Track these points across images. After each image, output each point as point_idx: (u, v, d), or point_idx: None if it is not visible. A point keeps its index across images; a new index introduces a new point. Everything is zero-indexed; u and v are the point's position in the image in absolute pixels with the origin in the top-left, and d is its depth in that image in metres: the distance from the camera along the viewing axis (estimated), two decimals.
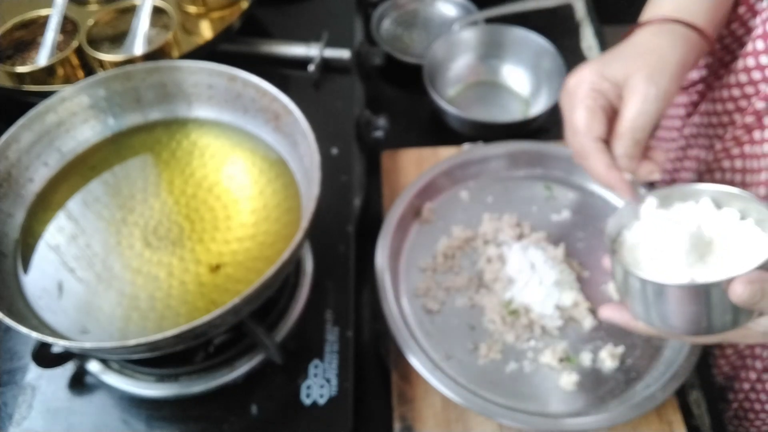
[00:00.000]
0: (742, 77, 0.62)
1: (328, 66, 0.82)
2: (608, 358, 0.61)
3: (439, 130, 0.87)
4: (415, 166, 0.79)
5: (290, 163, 0.62)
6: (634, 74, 0.53)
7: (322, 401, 0.57)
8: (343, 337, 0.60)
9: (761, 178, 0.60)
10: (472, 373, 0.61)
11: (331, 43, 0.82)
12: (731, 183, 0.66)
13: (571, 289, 0.65)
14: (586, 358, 0.62)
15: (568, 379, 0.60)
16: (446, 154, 0.79)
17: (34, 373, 0.59)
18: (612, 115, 0.54)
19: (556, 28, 0.97)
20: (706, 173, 0.70)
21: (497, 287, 0.66)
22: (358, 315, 0.63)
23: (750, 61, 0.60)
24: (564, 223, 0.72)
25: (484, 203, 0.74)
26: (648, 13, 0.60)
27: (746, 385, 0.70)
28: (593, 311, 0.65)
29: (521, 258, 0.66)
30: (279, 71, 0.82)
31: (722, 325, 0.48)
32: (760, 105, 0.59)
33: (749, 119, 0.61)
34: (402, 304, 0.65)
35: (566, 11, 1.03)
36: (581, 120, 0.53)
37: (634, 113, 0.52)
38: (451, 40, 0.93)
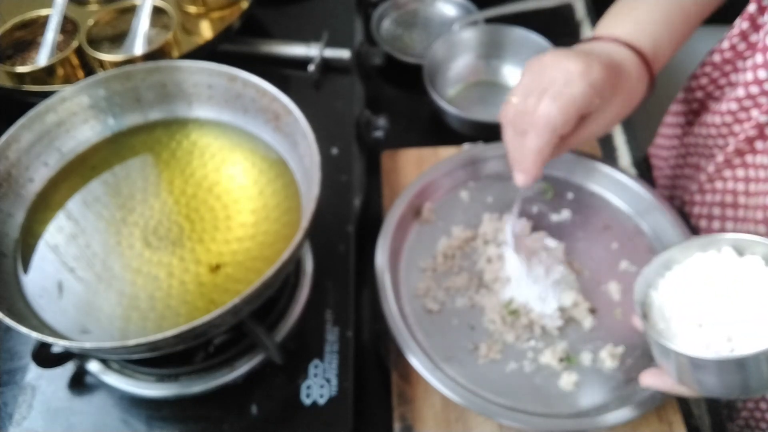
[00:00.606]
0: (741, 91, 0.62)
1: (328, 66, 0.82)
2: (608, 358, 0.61)
3: (439, 130, 0.87)
4: (415, 166, 0.79)
5: (290, 163, 0.62)
6: (616, 111, 0.59)
7: (322, 401, 0.57)
8: (343, 337, 0.60)
9: (767, 188, 0.61)
10: (472, 373, 0.61)
11: (331, 43, 0.82)
12: (733, 192, 0.66)
13: (571, 289, 0.65)
14: (586, 358, 0.62)
15: (568, 379, 0.60)
16: (446, 154, 0.79)
17: (34, 373, 0.59)
18: None
19: (556, 28, 0.97)
20: (708, 183, 0.70)
21: (497, 287, 0.66)
22: (358, 315, 0.63)
23: (749, 75, 0.60)
24: (564, 223, 0.72)
25: (484, 203, 0.74)
26: (615, 27, 0.62)
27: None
28: (593, 311, 0.65)
29: (521, 258, 0.66)
30: (279, 71, 0.82)
31: (760, 387, 0.48)
32: (762, 118, 0.59)
33: (751, 132, 0.61)
34: (402, 304, 0.65)
35: (566, 11, 1.03)
36: (566, 117, 0.55)
37: (591, 134, 0.59)
38: (451, 40, 0.93)
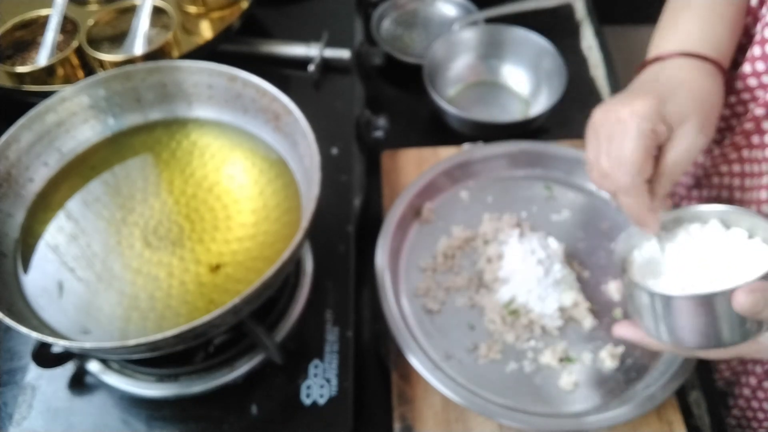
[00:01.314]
0: (739, 84, 0.62)
1: (328, 66, 0.82)
2: (608, 358, 0.61)
3: (439, 130, 0.87)
4: (415, 166, 0.79)
5: (290, 163, 0.62)
6: (689, 120, 0.52)
7: (322, 401, 0.57)
8: (343, 337, 0.60)
9: (762, 182, 0.60)
10: (472, 373, 0.61)
11: (331, 43, 0.82)
12: (729, 187, 0.66)
13: (571, 289, 0.65)
14: (586, 358, 0.62)
15: (568, 379, 0.60)
16: (446, 154, 0.79)
17: (34, 373, 0.59)
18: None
19: (556, 28, 0.97)
20: (704, 178, 0.70)
21: (497, 287, 0.66)
22: (358, 315, 0.63)
23: (747, 68, 0.60)
24: (564, 223, 0.72)
25: (484, 203, 0.74)
26: (667, 44, 0.59)
27: (747, 391, 0.70)
28: (593, 311, 0.65)
29: (521, 258, 0.66)
30: (279, 71, 0.82)
31: (731, 338, 0.48)
32: (759, 111, 0.59)
33: (748, 125, 0.61)
34: (402, 304, 0.65)
35: (566, 11, 1.03)
36: (637, 159, 0.51)
37: (680, 157, 0.53)
38: (451, 40, 0.93)
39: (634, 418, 0.56)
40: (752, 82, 0.60)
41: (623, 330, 0.55)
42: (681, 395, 0.63)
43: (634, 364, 0.61)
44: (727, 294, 0.46)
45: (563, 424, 0.57)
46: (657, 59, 0.58)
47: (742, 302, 0.45)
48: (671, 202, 0.53)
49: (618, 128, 0.52)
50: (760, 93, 0.60)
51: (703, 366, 0.65)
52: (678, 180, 0.55)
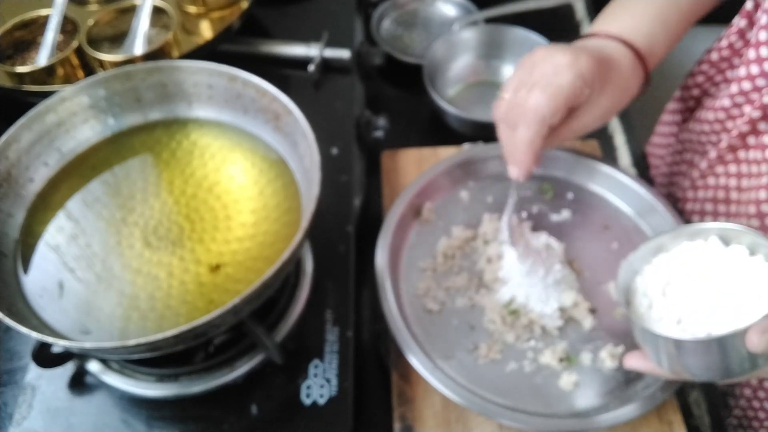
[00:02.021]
0: (734, 87, 0.62)
1: (328, 66, 0.82)
2: (608, 358, 0.61)
3: (439, 130, 0.87)
4: (415, 166, 0.79)
5: (290, 163, 0.62)
6: (608, 104, 0.59)
7: (322, 401, 0.57)
8: (343, 337, 0.60)
9: (762, 182, 0.61)
10: (472, 373, 0.61)
11: (331, 43, 0.82)
12: (726, 187, 0.67)
13: (571, 289, 0.65)
14: (586, 358, 0.62)
15: (568, 379, 0.60)
16: (446, 154, 0.79)
17: (34, 373, 0.59)
18: None
19: (556, 28, 0.97)
20: (700, 179, 0.70)
21: (497, 287, 0.66)
22: (358, 315, 0.63)
23: (742, 71, 0.60)
24: (564, 223, 0.72)
25: (484, 203, 0.74)
26: (605, 27, 0.63)
27: (747, 391, 0.70)
28: (593, 311, 0.65)
29: (521, 258, 0.66)
30: (279, 71, 0.82)
31: (741, 370, 0.48)
32: (755, 114, 0.59)
33: (744, 127, 0.61)
34: (402, 304, 0.65)
35: (566, 11, 1.03)
36: (559, 102, 0.55)
37: (590, 123, 0.59)
38: (451, 40, 0.93)
39: (634, 418, 0.56)
40: (746, 85, 0.61)
41: (633, 361, 0.55)
42: (681, 395, 0.63)
43: None
44: (739, 334, 0.46)
45: (563, 424, 0.57)
46: (592, 35, 0.63)
47: (756, 343, 0.45)
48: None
49: (553, 71, 0.55)
50: (755, 96, 0.61)
51: None
52: (574, 139, 0.60)
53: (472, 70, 0.94)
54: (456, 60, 0.94)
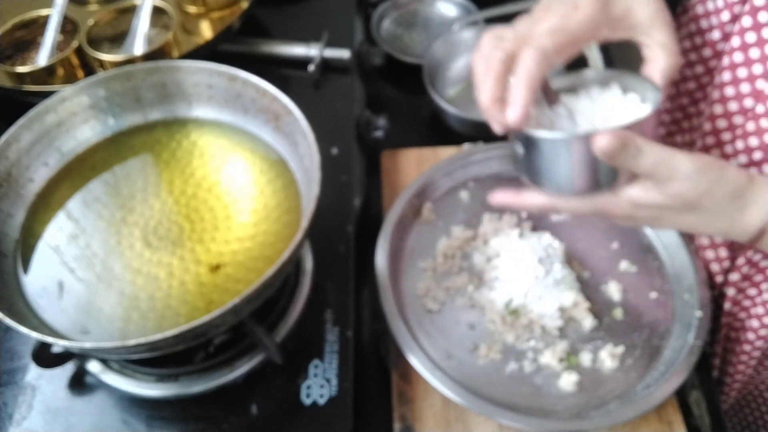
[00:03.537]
0: (716, 93, 0.62)
1: (328, 66, 0.82)
2: (608, 358, 0.61)
3: (439, 130, 0.87)
4: (415, 166, 0.79)
5: (290, 163, 0.62)
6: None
7: (322, 401, 0.57)
8: (343, 337, 0.60)
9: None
10: (472, 373, 0.61)
11: (331, 43, 0.82)
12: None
13: (571, 289, 0.65)
14: (586, 358, 0.62)
15: (568, 379, 0.60)
16: (446, 154, 0.79)
17: (34, 373, 0.59)
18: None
19: None
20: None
21: (497, 287, 0.66)
22: (358, 315, 0.63)
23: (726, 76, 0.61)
24: (564, 223, 0.72)
25: (484, 203, 0.74)
26: None
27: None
28: (593, 311, 0.65)
29: (521, 258, 0.66)
30: (279, 71, 0.82)
31: (590, 184, 0.49)
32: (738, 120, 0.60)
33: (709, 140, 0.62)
34: (402, 304, 0.65)
35: None
36: (543, 61, 0.49)
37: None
38: (451, 40, 0.93)
39: (634, 418, 0.56)
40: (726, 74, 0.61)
41: (500, 196, 0.55)
42: (681, 395, 0.63)
43: (634, 364, 0.61)
44: (588, 137, 0.47)
45: (563, 425, 0.57)
46: None
47: (600, 145, 0.46)
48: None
49: (573, 4, 0.52)
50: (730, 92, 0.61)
51: (701, 362, 0.65)
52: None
53: (472, 71, 0.94)
54: (456, 60, 0.94)
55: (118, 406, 0.57)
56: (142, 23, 0.74)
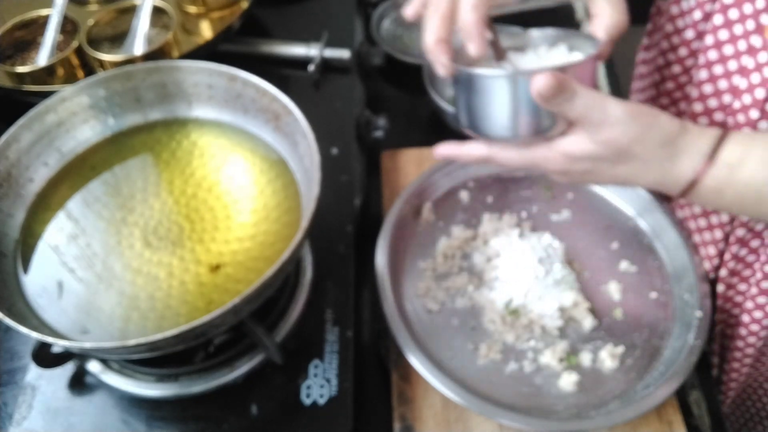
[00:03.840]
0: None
1: (328, 66, 0.82)
2: (608, 358, 0.61)
3: (439, 130, 0.87)
4: (415, 166, 0.79)
5: (290, 163, 0.62)
6: None
7: (322, 401, 0.57)
8: (343, 337, 0.60)
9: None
10: (472, 373, 0.61)
11: (331, 43, 0.82)
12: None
13: (571, 289, 0.65)
14: (586, 359, 0.62)
15: (568, 379, 0.60)
16: None
17: (34, 373, 0.59)
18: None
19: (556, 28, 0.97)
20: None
21: (497, 287, 0.66)
22: (358, 315, 0.63)
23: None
24: (564, 223, 0.72)
25: (484, 203, 0.74)
26: None
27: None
28: (593, 311, 0.65)
29: (521, 258, 0.66)
30: (279, 71, 0.82)
31: (527, 127, 0.50)
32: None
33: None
34: (402, 304, 0.65)
35: (566, 11, 1.03)
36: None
37: None
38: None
39: (634, 418, 0.56)
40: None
41: (442, 148, 0.55)
42: (681, 395, 0.63)
43: (634, 364, 0.61)
44: (527, 76, 0.47)
45: (563, 425, 0.57)
46: None
47: (537, 86, 0.46)
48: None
49: None
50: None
51: (701, 362, 0.65)
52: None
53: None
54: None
55: (118, 406, 0.57)
56: (142, 23, 0.74)
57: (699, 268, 0.65)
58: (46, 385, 0.58)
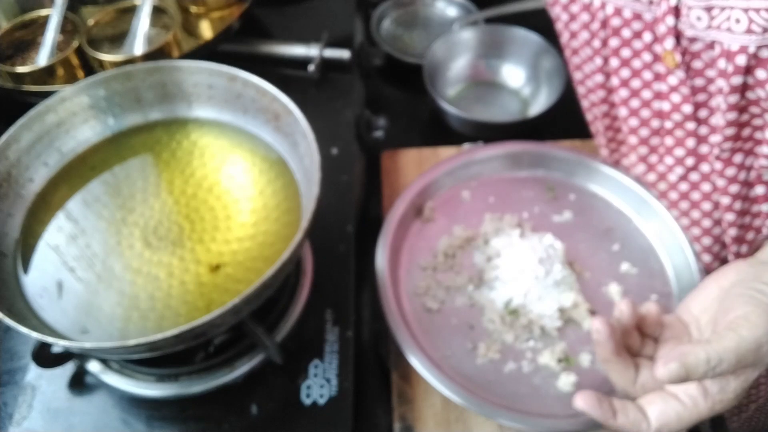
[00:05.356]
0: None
1: (328, 66, 0.82)
2: None
3: (439, 130, 0.87)
4: (415, 166, 0.79)
5: (290, 163, 0.62)
6: None
7: (322, 401, 0.57)
8: (343, 337, 0.60)
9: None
10: (472, 373, 0.61)
11: (331, 43, 0.82)
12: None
13: (571, 290, 0.65)
14: (585, 359, 0.62)
15: (567, 380, 0.60)
16: (446, 154, 0.79)
17: (34, 373, 0.59)
18: None
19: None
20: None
21: (497, 287, 0.66)
22: (358, 315, 0.63)
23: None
24: (565, 224, 0.72)
25: (485, 203, 0.74)
26: None
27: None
28: (593, 312, 0.65)
29: (522, 258, 0.66)
30: (279, 71, 0.82)
31: None
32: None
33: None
34: (402, 303, 0.65)
35: None
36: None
37: None
38: (451, 40, 0.93)
39: None
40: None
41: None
42: None
43: None
44: None
45: (562, 425, 0.57)
46: None
47: None
48: None
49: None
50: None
51: None
52: None
53: (472, 70, 0.94)
54: (456, 60, 0.94)
55: (118, 406, 0.57)
56: (142, 23, 0.74)
57: (700, 271, 0.65)
58: (46, 385, 0.58)
